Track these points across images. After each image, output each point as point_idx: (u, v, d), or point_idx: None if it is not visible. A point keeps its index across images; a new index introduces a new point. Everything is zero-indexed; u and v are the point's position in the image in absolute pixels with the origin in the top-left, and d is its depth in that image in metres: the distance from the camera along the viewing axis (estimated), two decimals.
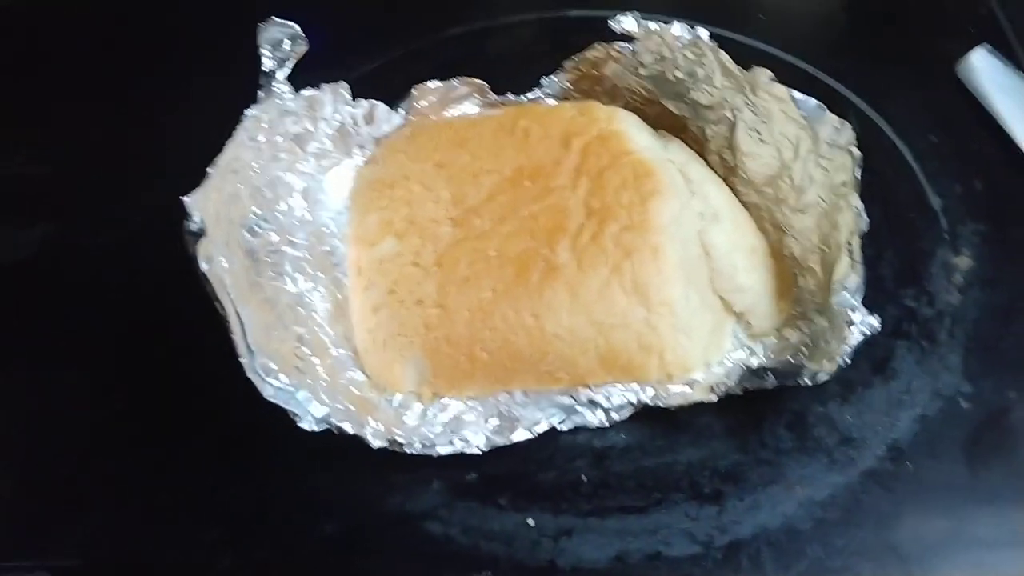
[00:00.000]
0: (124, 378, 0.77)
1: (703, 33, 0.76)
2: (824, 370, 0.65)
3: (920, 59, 0.96)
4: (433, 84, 0.84)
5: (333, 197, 0.83)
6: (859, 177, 0.70)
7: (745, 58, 0.94)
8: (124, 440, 0.74)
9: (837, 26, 1.03)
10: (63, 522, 0.70)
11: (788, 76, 0.92)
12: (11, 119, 0.96)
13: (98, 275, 0.83)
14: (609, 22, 0.77)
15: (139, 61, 1.00)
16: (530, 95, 0.86)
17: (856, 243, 0.68)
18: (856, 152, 0.71)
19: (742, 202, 0.79)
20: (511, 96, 0.86)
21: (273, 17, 0.73)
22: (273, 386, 0.63)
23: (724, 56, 0.76)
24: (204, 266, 0.61)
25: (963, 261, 0.80)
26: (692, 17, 0.96)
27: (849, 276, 0.67)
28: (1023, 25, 0.98)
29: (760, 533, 0.67)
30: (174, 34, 1.03)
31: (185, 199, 0.62)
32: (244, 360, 0.62)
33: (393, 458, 0.68)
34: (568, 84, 0.86)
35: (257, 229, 0.74)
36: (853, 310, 0.65)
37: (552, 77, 0.85)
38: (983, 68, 0.92)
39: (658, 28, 0.76)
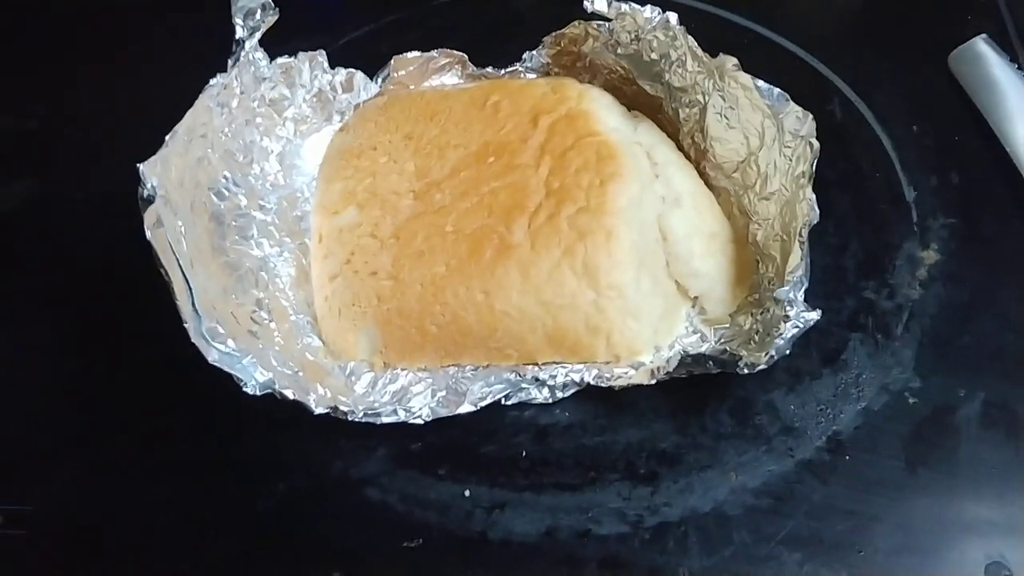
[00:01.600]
0: (83, 337, 0.80)
1: (672, 17, 0.75)
2: (760, 362, 0.65)
3: (913, 46, 0.95)
4: (413, 55, 0.85)
5: (310, 163, 0.85)
6: (815, 170, 0.69)
7: (734, 37, 0.95)
8: (79, 396, 0.77)
9: (832, 8, 1.02)
10: (17, 470, 0.74)
11: (776, 58, 0.93)
12: None
13: (70, 234, 0.86)
14: (584, 2, 0.77)
15: (128, 23, 1.02)
16: (510, 69, 0.86)
17: (805, 234, 0.68)
18: (815, 144, 0.70)
19: (712, 186, 0.80)
20: (491, 69, 0.86)
21: None
22: (219, 351, 0.65)
23: (692, 41, 0.76)
24: (148, 233, 0.63)
25: (929, 255, 0.80)
26: None
27: (798, 267, 0.67)
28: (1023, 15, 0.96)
29: (689, 516, 0.69)
30: None
31: (140, 166, 0.64)
32: (188, 324, 0.64)
33: (342, 424, 0.69)
34: (549, 59, 0.86)
35: (226, 192, 0.76)
36: (790, 304, 0.65)
37: (534, 52, 0.86)
38: (975, 59, 0.91)
39: (628, 9, 0.76)
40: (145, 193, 0.64)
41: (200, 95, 0.71)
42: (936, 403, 0.73)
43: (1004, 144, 0.85)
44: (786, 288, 0.66)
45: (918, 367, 0.75)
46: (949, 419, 0.72)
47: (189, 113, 0.69)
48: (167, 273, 0.63)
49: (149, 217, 0.63)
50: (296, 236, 0.80)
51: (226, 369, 0.65)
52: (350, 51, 0.95)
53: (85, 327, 0.80)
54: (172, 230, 0.66)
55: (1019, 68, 0.90)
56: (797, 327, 0.65)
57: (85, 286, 0.82)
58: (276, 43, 0.78)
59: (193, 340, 0.64)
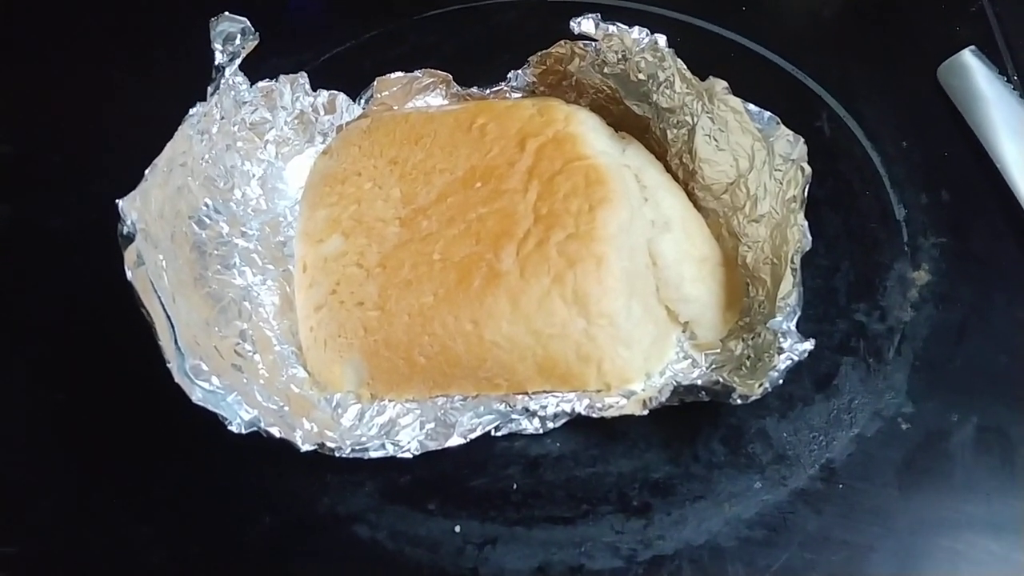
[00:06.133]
0: (66, 371, 0.78)
1: (660, 39, 0.74)
2: (754, 393, 0.64)
3: (902, 59, 0.94)
4: (396, 75, 0.84)
5: (293, 186, 0.83)
6: (807, 194, 0.68)
7: (721, 50, 0.93)
8: (61, 432, 0.75)
9: (819, 22, 1.00)
10: (2, 511, 0.72)
11: (763, 71, 0.92)
12: None
13: (44, 264, 0.84)
14: (571, 22, 0.76)
15: (108, 49, 1.00)
16: (495, 88, 0.85)
17: (798, 261, 0.67)
18: (807, 168, 0.69)
19: (701, 207, 0.79)
20: (476, 89, 0.85)
21: (226, 12, 0.72)
22: (203, 389, 0.63)
23: (681, 64, 0.75)
24: (129, 273, 0.61)
25: (920, 276, 0.79)
26: (673, 6, 0.96)
27: (791, 295, 0.67)
28: (1013, 26, 0.95)
29: (683, 549, 0.68)
30: (148, 19, 1.03)
31: (119, 202, 0.62)
32: (171, 364, 0.62)
33: (329, 458, 0.68)
34: (534, 78, 0.85)
35: (207, 220, 0.75)
36: (784, 336, 0.64)
37: (519, 71, 0.84)
38: (964, 72, 0.90)
39: (616, 30, 0.75)
40: (125, 230, 0.62)
41: (180, 125, 0.69)
42: (929, 428, 0.72)
43: (993, 159, 0.84)
44: (779, 319, 0.65)
45: (911, 391, 0.74)
46: (943, 445, 0.71)
47: (169, 144, 0.68)
48: (149, 314, 0.62)
49: (129, 256, 0.62)
50: (279, 263, 0.79)
51: (211, 408, 0.63)
52: (332, 67, 0.94)
53: (65, 362, 0.78)
54: (153, 265, 0.64)
55: (1007, 81, 0.89)
56: (791, 359, 0.64)
57: (62, 319, 0.80)
58: (256, 61, 0.76)
59: (177, 380, 0.62)
